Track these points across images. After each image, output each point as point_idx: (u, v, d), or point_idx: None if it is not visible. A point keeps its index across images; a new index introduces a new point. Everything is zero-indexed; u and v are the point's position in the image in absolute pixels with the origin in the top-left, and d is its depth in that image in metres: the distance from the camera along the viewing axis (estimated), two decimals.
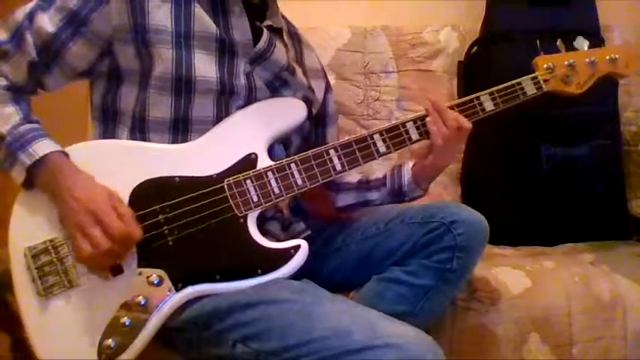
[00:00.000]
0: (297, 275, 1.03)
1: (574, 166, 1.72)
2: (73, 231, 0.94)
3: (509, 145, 1.74)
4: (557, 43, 1.24)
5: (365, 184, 1.27)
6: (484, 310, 1.29)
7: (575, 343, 1.31)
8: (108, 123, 1.10)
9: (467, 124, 1.13)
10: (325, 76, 1.34)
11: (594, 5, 1.81)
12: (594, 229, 1.72)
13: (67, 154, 1.01)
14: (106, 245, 0.92)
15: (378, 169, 1.30)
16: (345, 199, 1.28)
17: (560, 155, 1.72)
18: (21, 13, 1.05)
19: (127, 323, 0.96)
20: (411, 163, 1.21)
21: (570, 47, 1.25)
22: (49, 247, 0.98)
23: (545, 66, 1.23)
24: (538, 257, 1.55)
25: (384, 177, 1.25)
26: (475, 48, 1.85)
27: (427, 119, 1.13)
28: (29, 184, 1.00)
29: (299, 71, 1.21)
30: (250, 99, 1.11)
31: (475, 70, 1.81)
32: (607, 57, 1.25)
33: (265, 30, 1.13)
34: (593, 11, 1.80)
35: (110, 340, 0.95)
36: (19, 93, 1.06)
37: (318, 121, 1.31)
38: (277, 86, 1.16)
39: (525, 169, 1.73)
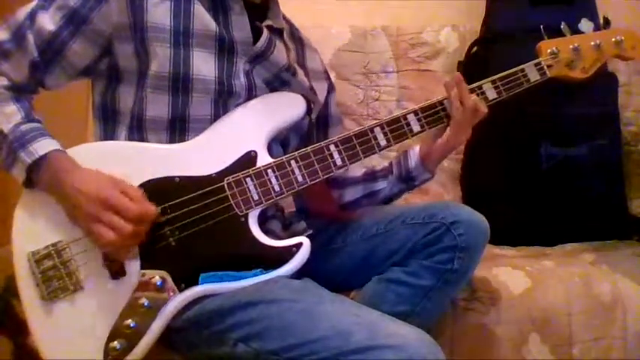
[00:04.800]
0: (298, 274, 1.03)
1: (574, 166, 1.72)
2: (88, 223, 0.94)
3: (509, 145, 1.74)
4: (562, 26, 1.21)
5: (371, 175, 1.27)
6: (484, 310, 1.29)
7: (575, 343, 1.31)
8: (108, 122, 1.10)
9: (483, 108, 1.13)
10: (328, 78, 1.33)
11: (594, 5, 1.81)
12: (594, 229, 1.72)
13: (67, 153, 1.01)
14: (127, 228, 0.92)
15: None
16: (352, 194, 1.28)
17: (561, 155, 1.72)
18: (22, 12, 1.05)
19: (131, 325, 0.96)
20: (417, 148, 1.21)
21: (575, 31, 1.22)
22: (52, 252, 0.98)
23: (548, 51, 1.19)
24: (538, 257, 1.55)
25: (390, 165, 1.25)
26: (475, 48, 1.85)
27: (452, 92, 1.12)
28: (30, 183, 1.00)
29: (300, 72, 1.21)
30: (250, 98, 1.11)
31: (475, 70, 1.81)
32: (612, 39, 1.22)
33: (265, 29, 1.13)
34: (593, 11, 1.81)
35: (115, 342, 0.96)
36: (20, 92, 1.06)
37: (320, 123, 1.31)
38: (277, 86, 1.16)
39: (525, 169, 1.73)
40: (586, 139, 1.73)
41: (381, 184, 1.25)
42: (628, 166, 1.83)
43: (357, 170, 1.28)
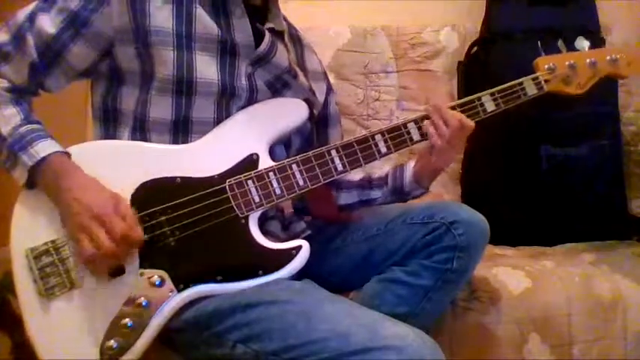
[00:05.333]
0: (298, 275, 1.03)
1: (574, 166, 1.72)
2: (76, 232, 0.94)
3: (509, 145, 1.74)
4: (558, 43, 1.24)
5: (367, 183, 1.27)
6: (484, 310, 1.29)
7: (575, 343, 1.31)
8: (109, 123, 1.10)
9: (469, 123, 1.13)
10: (326, 78, 1.34)
11: (594, 5, 1.81)
12: (594, 229, 1.73)
13: (68, 155, 1.01)
14: (109, 246, 0.92)
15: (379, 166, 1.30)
16: (347, 198, 1.28)
17: (561, 155, 1.72)
18: (22, 14, 1.05)
19: (129, 324, 0.96)
20: (412, 163, 1.22)
21: (571, 47, 1.25)
22: (51, 249, 0.98)
23: (546, 66, 1.22)
24: (538, 257, 1.56)
25: (386, 175, 1.25)
26: (475, 48, 1.85)
27: (426, 121, 1.13)
28: (31, 184, 1.00)
29: (300, 74, 1.21)
30: (251, 101, 1.11)
31: (475, 70, 1.81)
32: (607, 57, 1.25)
33: (267, 32, 1.13)
34: (593, 11, 1.81)
35: (112, 341, 0.95)
36: (20, 94, 1.06)
37: (319, 123, 1.31)
38: (279, 88, 1.16)
39: (525, 170, 1.73)
40: (586, 139, 1.74)
41: (376, 194, 1.26)
42: (628, 166, 1.83)
43: (354, 174, 1.27)
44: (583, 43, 1.25)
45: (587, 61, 1.24)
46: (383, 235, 1.17)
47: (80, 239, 0.94)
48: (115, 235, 0.93)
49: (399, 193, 1.23)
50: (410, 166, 1.21)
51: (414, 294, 1.11)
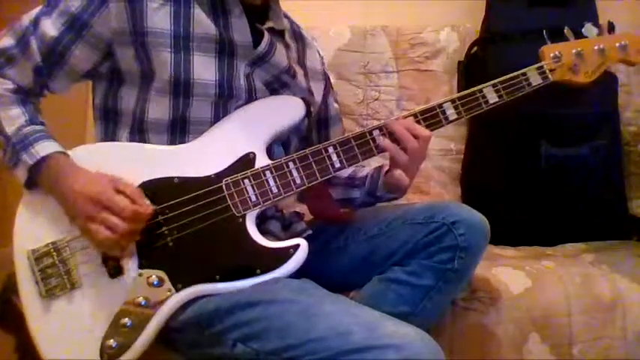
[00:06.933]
0: (297, 275, 1.03)
1: (574, 166, 1.72)
2: (84, 222, 0.96)
3: (509, 145, 1.74)
4: (565, 30, 1.20)
5: (352, 180, 1.28)
6: (484, 310, 1.29)
7: (575, 343, 1.31)
8: (109, 123, 1.11)
9: (424, 132, 1.10)
10: (326, 78, 1.33)
11: (594, 5, 1.81)
12: (594, 229, 1.72)
13: (68, 155, 1.03)
14: (121, 226, 0.94)
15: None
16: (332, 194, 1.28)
17: (561, 155, 1.72)
18: (27, 18, 1.07)
19: (128, 324, 0.97)
20: (386, 168, 1.21)
21: (578, 35, 1.21)
22: (52, 250, 0.99)
23: (551, 55, 1.18)
24: (538, 257, 1.55)
25: (366, 176, 1.25)
26: (475, 48, 1.85)
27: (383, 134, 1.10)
28: (32, 183, 1.02)
29: (300, 73, 1.21)
30: (250, 101, 1.11)
31: (475, 70, 1.81)
32: (617, 44, 1.21)
33: (266, 32, 1.13)
34: (593, 11, 1.80)
35: (112, 340, 0.96)
36: (25, 95, 1.08)
37: (320, 124, 1.31)
38: (277, 88, 1.16)
39: (525, 169, 1.73)
40: (586, 139, 1.73)
41: (356, 193, 1.26)
42: (628, 166, 1.83)
43: (344, 170, 1.26)
44: (591, 30, 1.20)
45: (596, 47, 1.20)
46: (384, 235, 1.16)
47: (90, 228, 0.95)
48: (122, 214, 0.94)
49: (372, 196, 1.24)
50: (382, 173, 1.22)
51: (414, 294, 1.10)
